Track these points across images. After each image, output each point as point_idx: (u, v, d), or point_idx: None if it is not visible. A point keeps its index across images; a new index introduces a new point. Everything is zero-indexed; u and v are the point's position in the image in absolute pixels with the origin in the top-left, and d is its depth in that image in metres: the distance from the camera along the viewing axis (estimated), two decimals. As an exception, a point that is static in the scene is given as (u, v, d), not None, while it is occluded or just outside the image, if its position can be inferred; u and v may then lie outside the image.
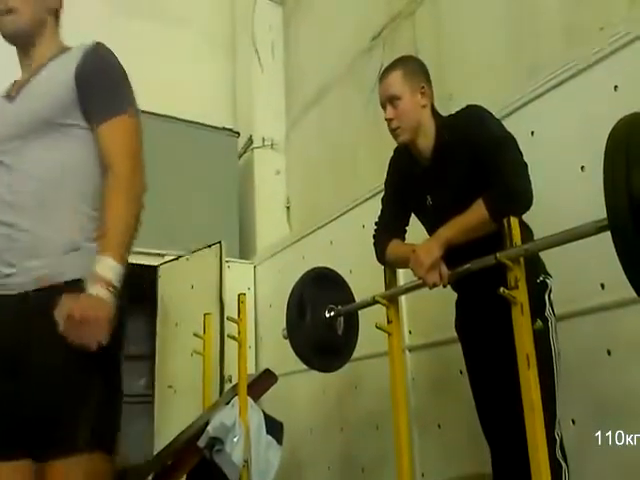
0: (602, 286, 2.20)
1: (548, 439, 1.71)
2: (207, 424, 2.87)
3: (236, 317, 3.10)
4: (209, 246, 4.28)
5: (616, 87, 2.21)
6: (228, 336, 3.21)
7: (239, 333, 3.08)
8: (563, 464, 1.82)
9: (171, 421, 4.00)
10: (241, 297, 3.11)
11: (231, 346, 3.35)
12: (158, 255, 4.60)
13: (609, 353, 2.16)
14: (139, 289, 4.30)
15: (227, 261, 4.33)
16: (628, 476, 2.06)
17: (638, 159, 1.38)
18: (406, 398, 2.36)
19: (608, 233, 1.46)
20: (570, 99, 2.41)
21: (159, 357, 4.44)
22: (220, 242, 4.22)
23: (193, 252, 4.36)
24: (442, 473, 2.70)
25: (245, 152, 5.63)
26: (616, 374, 2.13)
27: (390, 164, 2.36)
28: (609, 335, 2.17)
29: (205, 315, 3.64)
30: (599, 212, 1.48)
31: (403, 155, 2.26)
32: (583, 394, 2.19)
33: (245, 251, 5.20)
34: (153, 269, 4.54)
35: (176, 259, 4.49)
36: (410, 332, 3.16)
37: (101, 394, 1.42)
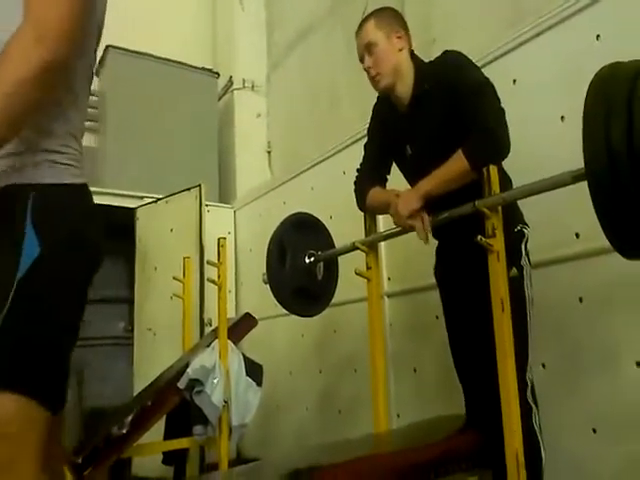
0: (577, 235, 2.23)
1: (520, 383, 1.77)
2: (187, 366, 2.91)
3: (216, 261, 3.11)
4: (188, 189, 4.24)
5: (598, 36, 2.20)
6: (208, 280, 3.21)
7: (219, 277, 3.08)
8: (533, 407, 1.89)
9: (151, 363, 4.03)
10: (221, 241, 3.11)
11: (211, 290, 3.36)
12: (136, 197, 4.52)
13: (581, 300, 2.21)
14: (117, 231, 4.27)
15: (207, 205, 4.29)
16: (595, 419, 2.14)
17: (617, 110, 1.38)
18: (383, 343, 2.41)
19: (584, 183, 1.48)
20: (552, 48, 2.39)
21: (138, 300, 4.44)
22: (200, 185, 4.17)
23: (172, 195, 4.32)
24: (417, 414, 2.77)
25: (225, 94, 5.52)
26: (587, 321, 2.18)
27: (373, 111, 2.35)
28: (581, 283, 2.22)
29: (185, 259, 3.64)
30: (578, 162, 1.49)
31: (385, 103, 2.26)
32: (554, 340, 2.25)
33: (225, 195, 5.16)
34: (131, 211, 4.49)
35: (155, 202, 4.43)
36: (389, 279, 3.19)
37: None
